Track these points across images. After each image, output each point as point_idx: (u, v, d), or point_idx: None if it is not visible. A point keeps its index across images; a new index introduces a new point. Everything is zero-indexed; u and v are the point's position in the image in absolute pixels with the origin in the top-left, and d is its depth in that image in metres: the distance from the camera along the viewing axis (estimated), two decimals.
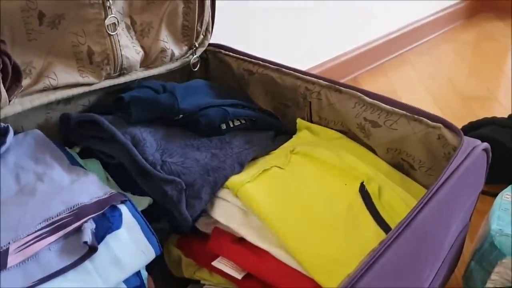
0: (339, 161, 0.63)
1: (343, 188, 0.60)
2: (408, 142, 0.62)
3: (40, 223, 0.46)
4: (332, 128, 0.71)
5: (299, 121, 0.72)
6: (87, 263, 0.46)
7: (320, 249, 0.52)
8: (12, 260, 0.43)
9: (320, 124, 0.71)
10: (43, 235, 0.45)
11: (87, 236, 0.45)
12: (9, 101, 0.54)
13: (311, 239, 0.53)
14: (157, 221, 0.62)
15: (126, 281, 0.49)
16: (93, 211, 0.48)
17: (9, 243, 0.44)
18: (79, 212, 0.48)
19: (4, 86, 0.52)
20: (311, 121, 0.72)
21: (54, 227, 0.46)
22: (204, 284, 0.61)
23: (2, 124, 0.58)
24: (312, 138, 0.69)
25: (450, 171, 0.48)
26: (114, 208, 0.50)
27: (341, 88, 0.66)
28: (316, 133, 0.70)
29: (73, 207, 0.48)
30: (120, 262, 0.48)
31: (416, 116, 0.61)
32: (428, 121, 0.60)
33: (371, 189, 0.59)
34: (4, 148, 0.56)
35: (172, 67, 0.73)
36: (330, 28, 1.35)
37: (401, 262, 0.37)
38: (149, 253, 0.51)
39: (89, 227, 0.47)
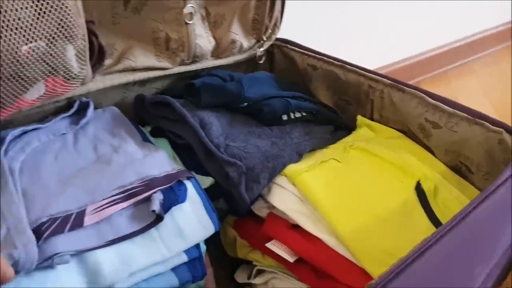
0: (397, 159, 0.64)
1: (399, 185, 0.60)
2: (467, 145, 0.62)
3: (115, 189, 0.51)
4: (391, 127, 0.71)
5: (359, 118, 0.73)
6: (153, 230, 0.50)
7: (372, 240, 0.54)
8: (88, 220, 0.48)
9: (380, 123, 0.72)
10: (116, 201, 0.50)
11: (156, 206, 0.49)
12: (93, 77, 0.59)
13: (364, 230, 0.55)
14: (216, 201, 0.66)
15: (186, 252, 0.53)
16: (162, 183, 0.52)
17: (86, 204, 0.49)
18: (150, 183, 0.52)
19: (90, 63, 0.57)
20: (372, 119, 0.73)
21: (127, 194, 0.50)
22: (256, 265, 0.64)
23: (84, 99, 0.63)
24: (371, 136, 0.70)
25: (507, 174, 0.48)
26: (181, 183, 0.54)
27: (405, 87, 0.67)
28: (375, 130, 0.71)
29: (144, 178, 0.52)
30: (182, 233, 0.52)
31: (477, 120, 0.60)
32: (489, 125, 0.59)
33: (427, 188, 0.59)
34: (85, 120, 0.61)
35: (240, 59, 0.77)
36: (396, 30, 1.34)
37: (452, 253, 0.38)
38: (209, 228, 0.54)
39: (158, 197, 0.50)
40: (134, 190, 0.51)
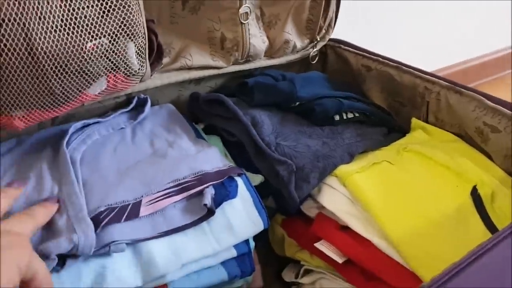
0: (452, 163, 0.62)
1: (453, 190, 0.59)
2: None
3: (169, 182, 0.52)
4: (447, 131, 0.69)
5: (414, 120, 0.71)
6: (204, 224, 0.51)
7: (425, 244, 0.52)
8: (143, 211, 0.49)
9: (435, 126, 0.70)
10: (171, 194, 0.51)
11: (207, 200, 0.50)
12: (151, 75, 0.61)
13: (416, 234, 0.53)
14: (265, 199, 0.66)
15: (236, 247, 0.54)
16: (213, 178, 0.53)
17: (142, 196, 0.50)
18: (202, 178, 0.53)
19: (149, 61, 0.59)
20: (427, 122, 0.71)
21: (180, 188, 0.52)
22: (303, 265, 0.64)
23: (142, 96, 0.66)
24: (426, 139, 0.69)
25: None
26: (232, 179, 0.55)
27: (462, 90, 0.65)
28: (431, 134, 0.69)
29: (197, 173, 0.54)
30: (232, 227, 0.52)
31: None
32: None
33: (483, 193, 0.57)
34: (142, 116, 0.64)
35: (293, 59, 0.77)
36: (452, 33, 1.30)
37: (509, 260, 0.37)
38: (258, 225, 0.55)
39: (210, 192, 0.52)
40: (187, 184, 0.52)
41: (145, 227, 0.49)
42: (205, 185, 0.52)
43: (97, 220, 0.46)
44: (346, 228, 0.58)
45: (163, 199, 0.51)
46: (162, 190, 0.51)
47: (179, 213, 0.51)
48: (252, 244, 0.56)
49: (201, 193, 0.52)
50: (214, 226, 0.52)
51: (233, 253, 0.53)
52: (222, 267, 0.52)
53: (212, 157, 0.58)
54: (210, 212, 0.51)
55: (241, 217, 0.54)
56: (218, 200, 0.52)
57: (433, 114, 0.70)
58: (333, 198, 0.60)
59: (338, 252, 0.57)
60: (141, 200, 0.50)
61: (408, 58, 0.76)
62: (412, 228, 0.54)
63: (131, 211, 0.48)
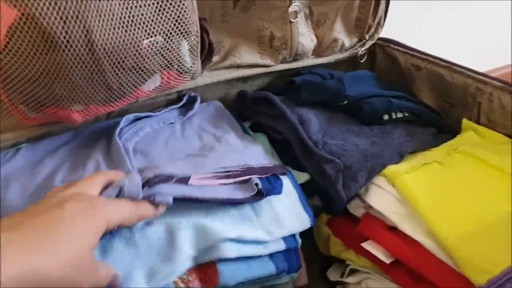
0: (505, 165, 0.60)
1: (506, 192, 0.57)
2: None
3: (216, 168, 0.53)
4: (499, 132, 0.67)
5: (465, 121, 0.70)
6: (253, 217, 0.52)
7: (476, 247, 0.51)
8: (192, 182, 0.50)
9: (487, 127, 0.68)
10: (219, 177, 0.52)
11: (257, 181, 0.51)
12: (202, 73, 0.63)
13: (467, 236, 0.52)
14: (311, 198, 0.66)
15: (284, 240, 0.54)
16: (258, 172, 0.53)
17: (191, 174, 0.51)
18: (247, 170, 0.53)
19: (200, 59, 0.60)
20: (478, 123, 0.69)
21: (227, 174, 0.52)
22: (349, 265, 0.63)
23: (193, 93, 0.67)
24: (478, 140, 0.67)
25: None
26: (277, 177, 0.55)
27: None
28: (482, 135, 0.68)
29: (243, 166, 0.54)
30: (279, 219, 0.53)
31: None
32: None
33: None
34: (191, 112, 0.65)
35: (341, 57, 0.77)
36: (505, 33, 1.26)
37: None
38: (304, 222, 0.55)
39: (256, 179, 0.52)
40: (234, 172, 0.53)
41: (193, 190, 0.49)
42: (251, 176, 0.52)
43: (146, 182, 0.47)
44: (393, 229, 0.58)
45: (211, 178, 0.51)
46: (210, 173, 0.52)
47: (228, 190, 0.51)
48: (299, 240, 0.56)
49: (248, 182, 0.52)
50: (263, 218, 0.52)
51: (282, 245, 0.53)
52: (270, 261, 0.53)
53: (257, 154, 0.58)
54: (259, 194, 0.50)
55: (287, 211, 0.54)
56: (264, 191, 0.52)
57: (485, 115, 0.68)
58: (381, 198, 0.59)
59: (385, 252, 0.57)
60: (190, 176, 0.50)
61: (457, 58, 0.75)
62: (463, 230, 0.53)
63: (180, 180, 0.49)
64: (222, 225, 0.50)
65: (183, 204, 0.50)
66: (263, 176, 0.53)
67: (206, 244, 0.48)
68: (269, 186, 0.53)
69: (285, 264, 0.54)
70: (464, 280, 0.50)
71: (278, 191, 0.54)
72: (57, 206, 0.38)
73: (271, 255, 0.53)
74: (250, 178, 0.52)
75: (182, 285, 0.48)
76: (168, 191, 0.46)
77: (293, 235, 0.55)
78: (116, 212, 0.41)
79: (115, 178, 0.46)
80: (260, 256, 0.53)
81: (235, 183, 0.52)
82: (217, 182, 0.51)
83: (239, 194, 0.50)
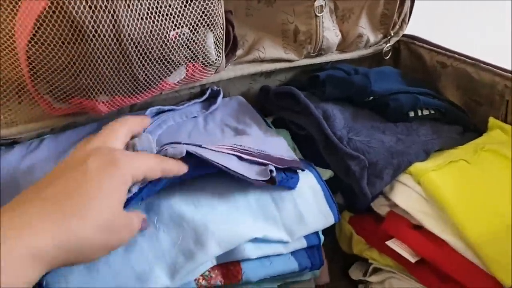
0: None
1: None
2: None
3: (234, 144, 0.52)
4: None
5: (491, 119, 0.68)
6: (275, 213, 0.51)
7: (505, 247, 0.50)
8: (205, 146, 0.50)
9: None
10: (234, 149, 0.51)
11: (272, 168, 0.50)
12: (225, 66, 0.62)
13: (495, 236, 0.51)
14: (334, 195, 0.65)
15: (306, 237, 0.53)
16: (275, 162, 0.52)
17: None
18: (264, 156, 0.53)
19: (224, 52, 0.60)
20: (505, 122, 0.68)
21: (244, 151, 0.51)
22: (371, 263, 0.62)
23: (216, 88, 0.67)
24: (505, 139, 0.65)
25: None
26: (294, 172, 0.54)
27: None
28: (510, 134, 0.66)
29: (261, 150, 0.54)
30: (303, 218, 0.52)
31: None
32: None
33: None
34: (214, 107, 0.65)
35: (365, 53, 0.76)
36: None
37: None
38: (328, 218, 0.54)
39: (271, 166, 0.51)
40: (249, 151, 0.52)
41: (206, 152, 0.48)
42: (267, 161, 0.51)
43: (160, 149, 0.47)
44: (418, 227, 0.57)
45: (226, 148, 0.50)
46: (227, 146, 0.51)
47: (241, 166, 0.50)
48: (321, 237, 0.55)
49: (263, 166, 0.51)
50: (285, 216, 0.52)
51: (303, 243, 0.53)
52: (293, 258, 0.52)
53: (278, 146, 0.57)
54: (271, 181, 0.49)
55: (311, 209, 0.53)
56: (277, 180, 0.51)
57: None
58: (407, 196, 0.58)
59: (410, 251, 0.56)
60: (206, 146, 0.50)
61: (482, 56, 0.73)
62: (491, 230, 0.52)
63: (194, 144, 0.49)
64: (247, 225, 0.49)
65: (209, 202, 0.49)
66: (279, 167, 0.52)
67: (231, 244, 0.47)
68: (283, 178, 0.52)
69: (308, 261, 0.53)
70: (493, 281, 0.49)
71: (292, 186, 0.53)
72: (79, 165, 0.37)
73: (294, 252, 0.53)
74: (266, 164, 0.51)
75: (203, 282, 0.47)
76: (182, 148, 0.46)
77: (316, 232, 0.54)
78: (140, 165, 0.40)
79: (140, 126, 0.46)
80: (283, 254, 0.52)
81: (250, 162, 0.51)
82: (232, 152, 0.50)
83: (251, 174, 0.49)
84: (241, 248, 0.48)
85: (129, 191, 0.41)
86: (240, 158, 0.50)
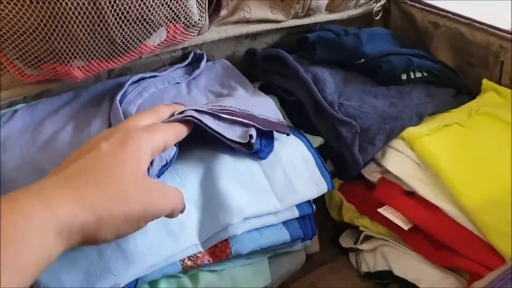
0: None
1: None
2: None
3: (214, 106, 0.49)
4: None
5: (485, 81, 0.66)
6: (265, 183, 0.49)
7: (501, 212, 0.49)
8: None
9: (509, 88, 0.65)
10: (215, 110, 0.48)
11: (253, 133, 0.48)
12: (209, 28, 0.58)
13: (491, 201, 0.50)
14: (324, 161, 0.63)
15: (298, 207, 0.51)
16: (259, 123, 0.50)
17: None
18: (247, 116, 0.50)
19: (207, 13, 0.56)
20: (499, 84, 0.66)
21: (225, 111, 0.49)
22: (362, 231, 0.61)
23: (198, 51, 0.63)
24: (499, 101, 0.64)
25: None
26: (270, 142, 0.52)
27: None
28: (504, 96, 0.64)
29: (244, 110, 0.51)
30: (294, 187, 0.50)
31: None
32: None
33: None
34: (197, 71, 0.62)
35: (355, 14, 0.73)
36: None
37: None
38: (321, 186, 0.52)
39: (253, 131, 0.48)
40: (232, 111, 0.49)
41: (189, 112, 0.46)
42: (249, 122, 0.48)
43: None
44: (410, 194, 0.55)
45: (208, 110, 0.47)
46: (208, 107, 0.48)
47: (223, 127, 0.47)
48: (313, 206, 0.54)
49: (245, 127, 0.49)
50: (276, 186, 0.50)
51: (295, 213, 0.51)
52: (284, 228, 0.50)
53: (264, 106, 0.54)
54: (249, 146, 0.47)
55: (303, 177, 0.51)
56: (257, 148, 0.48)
57: (507, 75, 0.65)
58: (399, 162, 0.56)
59: (403, 218, 0.54)
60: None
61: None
62: (487, 195, 0.51)
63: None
64: (239, 201, 0.47)
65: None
66: (263, 128, 0.50)
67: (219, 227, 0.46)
68: (258, 146, 0.49)
69: (300, 231, 0.51)
70: (489, 248, 0.49)
71: (263, 156, 0.50)
72: (95, 145, 0.37)
73: (285, 223, 0.51)
74: (249, 126, 0.48)
75: (189, 262, 0.45)
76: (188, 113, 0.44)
77: (309, 201, 0.52)
78: (157, 136, 0.40)
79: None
80: (274, 224, 0.50)
81: (231, 122, 0.48)
82: (214, 113, 0.47)
83: (230, 134, 0.47)
84: (229, 228, 0.46)
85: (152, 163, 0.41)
86: (219, 118, 0.47)
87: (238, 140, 0.47)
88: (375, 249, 0.60)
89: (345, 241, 0.64)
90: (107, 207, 0.34)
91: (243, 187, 0.48)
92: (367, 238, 0.61)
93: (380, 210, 0.56)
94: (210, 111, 0.47)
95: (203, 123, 0.45)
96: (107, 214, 0.34)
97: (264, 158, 0.50)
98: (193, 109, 0.46)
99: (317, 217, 0.57)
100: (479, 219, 0.49)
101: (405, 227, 0.54)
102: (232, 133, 0.47)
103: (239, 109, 0.50)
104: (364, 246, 0.61)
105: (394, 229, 0.56)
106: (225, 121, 0.48)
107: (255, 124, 0.49)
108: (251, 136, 0.47)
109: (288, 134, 0.53)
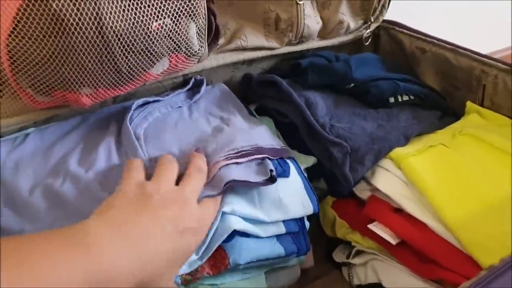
0: (509, 147, 0.61)
1: (510, 174, 0.58)
2: None
3: (228, 151, 0.52)
4: (503, 115, 0.68)
5: (469, 104, 0.70)
6: (255, 196, 0.52)
7: (483, 228, 0.52)
8: None
9: (491, 110, 0.69)
10: (231, 157, 0.51)
11: (271, 166, 0.51)
12: (208, 55, 0.62)
13: (473, 218, 0.53)
14: (317, 180, 0.67)
15: (285, 224, 0.54)
16: (268, 153, 0.53)
17: None
18: (258, 149, 0.53)
19: (207, 42, 0.60)
20: (482, 106, 0.70)
21: (240, 154, 0.52)
22: (355, 246, 0.64)
23: (199, 77, 0.67)
24: (482, 123, 0.67)
25: None
26: (284, 161, 0.55)
27: None
28: (486, 117, 0.68)
29: (253, 145, 0.54)
30: (281, 204, 0.52)
31: None
32: None
33: None
34: (198, 96, 0.65)
35: (345, 40, 0.77)
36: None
37: None
38: (307, 208, 0.55)
39: (270, 163, 0.52)
40: (246, 152, 0.52)
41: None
42: (264, 155, 0.52)
43: None
44: (399, 211, 0.58)
45: (224, 159, 0.51)
46: (222, 156, 0.52)
47: (242, 170, 0.51)
48: (307, 224, 0.57)
49: (261, 163, 0.52)
50: (264, 200, 0.52)
51: (282, 229, 0.53)
52: (278, 243, 0.53)
53: (264, 135, 0.58)
54: (271, 179, 0.50)
55: (291, 197, 0.54)
56: (276, 175, 0.51)
57: (489, 98, 0.69)
58: (387, 181, 0.59)
59: (391, 234, 0.57)
60: None
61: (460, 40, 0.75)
62: (469, 212, 0.54)
63: None
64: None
65: None
66: (273, 158, 0.53)
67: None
68: (280, 169, 0.53)
69: (294, 246, 0.54)
70: (470, 261, 0.51)
71: (288, 174, 0.54)
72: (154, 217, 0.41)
73: (279, 237, 0.54)
74: (264, 161, 0.52)
75: (187, 277, 0.48)
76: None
77: (297, 220, 0.55)
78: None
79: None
80: (268, 238, 0.53)
81: (248, 161, 0.52)
82: (231, 161, 0.50)
83: (252, 176, 0.50)
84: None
85: None
86: (237, 164, 0.51)
87: (263, 179, 0.50)
88: (366, 263, 0.63)
89: (338, 256, 0.67)
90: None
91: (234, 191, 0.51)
92: (359, 252, 0.64)
93: (370, 226, 0.59)
94: (231, 160, 0.51)
95: (242, 181, 0.49)
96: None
97: (288, 176, 0.54)
98: (222, 162, 0.50)
99: (312, 233, 0.60)
100: (460, 234, 0.52)
101: (394, 242, 0.56)
102: (254, 175, 0.51)
103: (250, 145, 0.54)
104: (356, 261, 0.64)
105: (383, 244, 0.59)
106: (242, 164, 0.52)
107: (268, 156, 0.53)
108: (271, 170, 0.51)
109: (292, 158, 0.56)
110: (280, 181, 0.53)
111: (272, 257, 0.53)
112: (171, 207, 0.42)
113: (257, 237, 0.52)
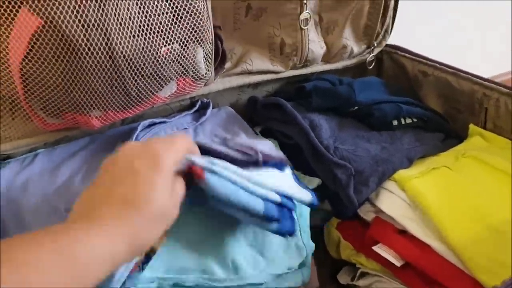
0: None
1: None
2: None
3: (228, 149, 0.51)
4: (505, 137, 0.69)
5: (471, 126, 0.71)
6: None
7: (485, 249, 0.52)
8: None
9: (493, 132, 0.70)
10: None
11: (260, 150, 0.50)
12: (214, 79, 0.64)
13: (476, 239, 0.53)
14: (322, 202, 0.67)
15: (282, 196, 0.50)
16: (270, 158, 0.51)
17: None
18: (256, 150, 0.51)
19: (213, 66, 0.61)
20: (484, 128, 0.71)
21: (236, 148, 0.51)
22: (359, 268, 0.64)
23: (205, 100, 0.68)
24: (484, 145, 0.68)
25: None
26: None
27: None
28: (489, 140, 0.69)
29: (252, 147, 0.52)
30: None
31: None
32: None
33: None
34: (204, 118, 0.66)
35: (349, 64, 0.78)
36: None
37: None
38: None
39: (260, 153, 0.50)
40: (242, 148, 0.51)
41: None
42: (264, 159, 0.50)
43: None
44: (403, 232, 0.59)
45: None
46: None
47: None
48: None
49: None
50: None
51: (274, 196, 0.48)
52: (260, 199, 0.46)
53: (268, 148, 0.58)
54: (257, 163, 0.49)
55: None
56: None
57: (492, 121, 0.70)
58: (391, 202, 0.60)
59: (396, 256, 0.58)
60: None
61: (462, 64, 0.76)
62: (473, 234, 0.54)
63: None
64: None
65: None
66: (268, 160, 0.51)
67: None
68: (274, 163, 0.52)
69: (276, 212, 0.48)
70: (475, 283, 0.52)
71: (280, 167, 0.52)
72: (130, 172, 0.40)
73: (264, 199, 0.47)
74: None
75: None
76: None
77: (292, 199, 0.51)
78: (178, 150, 0.42)
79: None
80: (251, 191, 0.46)
81: (241, 151, 0.51)
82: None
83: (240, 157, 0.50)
84: None
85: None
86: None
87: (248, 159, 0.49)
88: (370, 285, 0.63)
89: (343, 278, 0.67)
90: (147, 229, 0.38)
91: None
92: (363, 275, 0.64)
93: (374, 247, 0.59)
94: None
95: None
96: (148, 236, 0.38)
97: (281, 169, 0.53)
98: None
99: (317, 255, 0.60)
100: (464, 255, 0.52)
101: (398, 263, 0.57)
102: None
103: (247, 146, 0.53)
104: (361, 283, 0.64)
105: (388, 266, 0.59)
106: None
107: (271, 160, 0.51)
108: (257, 153, 0.50)
109: (286, 165, 0.55)
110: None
111: (249, 207, 0.45)
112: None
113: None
